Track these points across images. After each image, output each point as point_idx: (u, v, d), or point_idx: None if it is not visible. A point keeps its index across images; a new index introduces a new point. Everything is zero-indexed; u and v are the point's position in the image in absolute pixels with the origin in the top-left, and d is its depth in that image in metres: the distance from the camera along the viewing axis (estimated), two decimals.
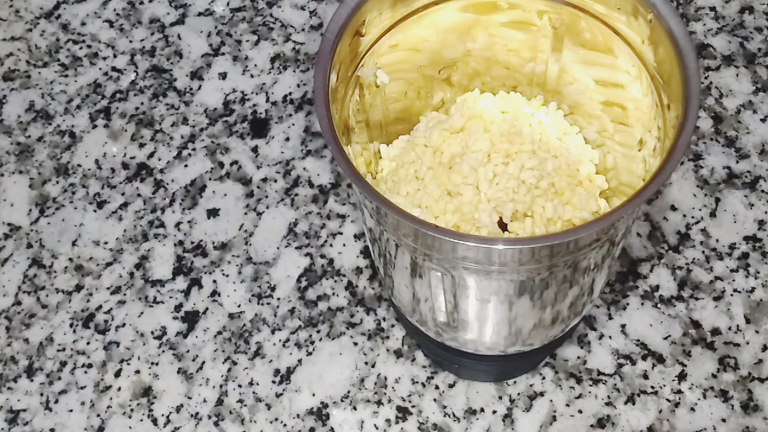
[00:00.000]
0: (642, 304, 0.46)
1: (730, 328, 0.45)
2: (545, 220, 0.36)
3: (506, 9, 0.38)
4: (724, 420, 0.43)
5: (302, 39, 0.56)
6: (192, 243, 0.49)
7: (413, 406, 0.44)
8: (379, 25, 0.36)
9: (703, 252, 0.47)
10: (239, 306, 0.47)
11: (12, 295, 0.48)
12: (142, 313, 0.47)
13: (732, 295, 0.46)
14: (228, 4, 0.58)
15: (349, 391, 0.45)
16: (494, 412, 0.44)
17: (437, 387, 0.45)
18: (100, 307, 0.48)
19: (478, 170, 0.36)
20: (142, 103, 0.54)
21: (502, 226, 0.36)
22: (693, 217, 0.48)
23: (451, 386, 0.45)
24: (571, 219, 0.36)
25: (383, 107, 0.40)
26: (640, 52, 0.35)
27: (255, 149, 0.52)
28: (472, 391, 0.44)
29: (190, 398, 0.45)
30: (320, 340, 0.46)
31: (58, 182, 0.52)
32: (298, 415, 0.44)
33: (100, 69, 0.56)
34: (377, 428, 0.44)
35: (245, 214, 0.50)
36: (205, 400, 0.45)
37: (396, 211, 0.30)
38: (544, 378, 0.44)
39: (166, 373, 0.46)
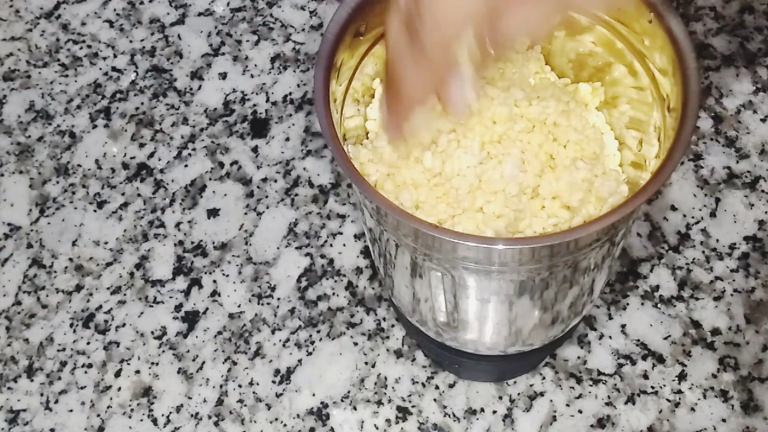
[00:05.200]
0: (642, 304, 0.46)
1: (730, 328, 0.45)
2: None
3: None
4: (724, 420, 0.43)
5: (302, 39, 0.56)
6: (192, 243, 0.49)
7: (413, 406, 0.44)
8: (379, 26, 0.36)
9: (703, 252, 0.47)
10: (239, 306, 0.47)
11: (12, 295, 0.48)
12: (142, 313, 0.47)
13: (732, 295, 0.46)
14: (228, 4, 0.58)
15: (349, 391, 0.45)
16: (494, 412, 0.44)
17: (437, 387, 0.45)
18: (100, 307, 0.48)
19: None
20: (142, 103, 0.54)
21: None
22: (693, 217, 0.48)
23: (451, 386, 0.45)
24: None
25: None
26: (641, 53, 0.35)
27: (255, 149, 0.52)
28: (472, 391, 0.44)
29: (190, 398, 0.45)
30: (320, 340, 0.46)
31: (58, 182, 0.52)
32: (298, 415, 0.44)
33: (100, 69, 0.56)
34: (377, 428, 0.44)
35: (245, 214, 0.50)
36: (205, 400, 0.45)
37: (396, 211, 0.30)
38: (544, 378, 0.44)
39: (166, 373, 0.46)
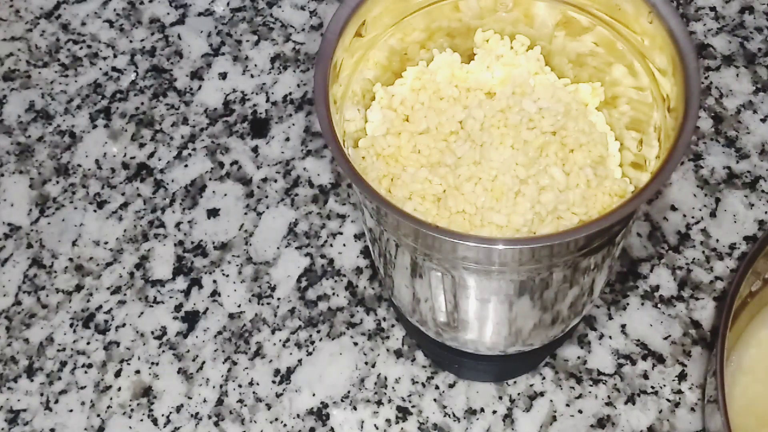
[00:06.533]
0: (642, 304, 0.46)
1: None
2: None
3: (507, 9, 0.38)
4: None
5: (302, 39, 0.56)
6: (192, 243, 0.49)
7: (413, 406, 0.44)
8: (379, 25, 0.36)
9: (703, 252, 0.47)
10: (239, 306, 0.47)
11: (12, 295, 0.48)
12: (142, 313, 0.47)
13: None
14: (228, 4, 0.58)
15: (349, 391, 0.45)
16: (494, 412, 0.44)
17: (437, 387, 0.45)
18: (100, 307, 0.48)
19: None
20: (142, 103, 0.54)
21: None
22: (693, 217, 0.48)
23: (451, 386, 0.45)
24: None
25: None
26: (641, 53, 0.35)
27: (255, 149, 0.52)
28: (472, 391, 0.44)
29: (190, 398, 0.45)
30: (320, 340, 0.46)
31: (58, 182, 0.52)
32: (298, 415, 0.44)
33: (100, 69, 0.56)
34: (377, 428, 0.44)
35: (245, 214, 0.50)
36: (205, 400, 0.45)
37: (396, 211, 0.30)
38: (544, 378, 0.44)
39: (166, 373, 0.46)
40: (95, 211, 0.51)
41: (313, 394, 0.45)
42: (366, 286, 0.47)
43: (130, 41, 0.57)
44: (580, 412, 0.44)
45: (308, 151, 0.52)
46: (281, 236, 0.49)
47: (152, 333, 0.47)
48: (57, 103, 0.55)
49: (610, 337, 0.45)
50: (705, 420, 0.42)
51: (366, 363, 0.45)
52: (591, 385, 0.44)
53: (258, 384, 0.45)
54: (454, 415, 0.44)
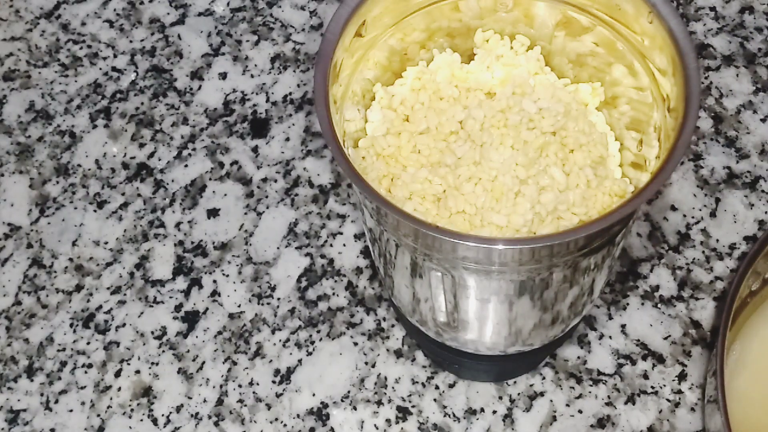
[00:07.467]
0: (642, 304, 0.46)
1: None
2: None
3: (507, 9, 0.38)
4: None
5: (302, 39, 0.56)
6: (192, 243, 0.49)
7: (413, 406, 0.44)
8: (379, 25, 0.36)
9: (703, 252, 0.47)
10: (239, 306, 0.47)
11: (12, 295, 0.48)
12: (142, 313, 0.47)
13: None
14: (228, 4, 0.58)
15: (349, 391, 0.45)
16: (494, 412, 0.44)
17: (437, 387, 0.45)
18: (100, 307, 0.48)
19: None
20: (142, 103, 0.54)
21: None
22: (693, 217, 0.48)
23: (451, 386, 0.45)
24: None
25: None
26: (641, 53, 0.35)
27: (255, 149, 0.52)
28: (472, 391, 0.44)
29: (190, 398, 0.45)
30: (320, 340, 0.46)
31: (58, 182, 0.52)
32: (298, 415, 0.44)
33: (101, 69, 0.56)
34: (377, 428, 0.44)
35: (245, 214, 0.50)
36: (205, 400, 0.45)
37: (396, 211, 0.30)
38: (544, 378, 0.44)
39: (166, 373, 0.46)
40: (95, 211, 0.51)
41: (313, 394, 0.45)
42: (366, 286, 0.47)
43: (130, 41, 0.57)
44: (580, 412, 0.44)
45: (308, 151, 0.52)
46: (281, 236, 0.49)
47: (152, 333, 0.47)
48: (57, 103, 0.55)
49: (610, 337, 0.45)
50: (705, 420, 0.42)
51: (366, 363, 0.45)
52: (591, 385, 0.44)
53: (258, 384, 0.45)
54: (454, 415, 0.44)
